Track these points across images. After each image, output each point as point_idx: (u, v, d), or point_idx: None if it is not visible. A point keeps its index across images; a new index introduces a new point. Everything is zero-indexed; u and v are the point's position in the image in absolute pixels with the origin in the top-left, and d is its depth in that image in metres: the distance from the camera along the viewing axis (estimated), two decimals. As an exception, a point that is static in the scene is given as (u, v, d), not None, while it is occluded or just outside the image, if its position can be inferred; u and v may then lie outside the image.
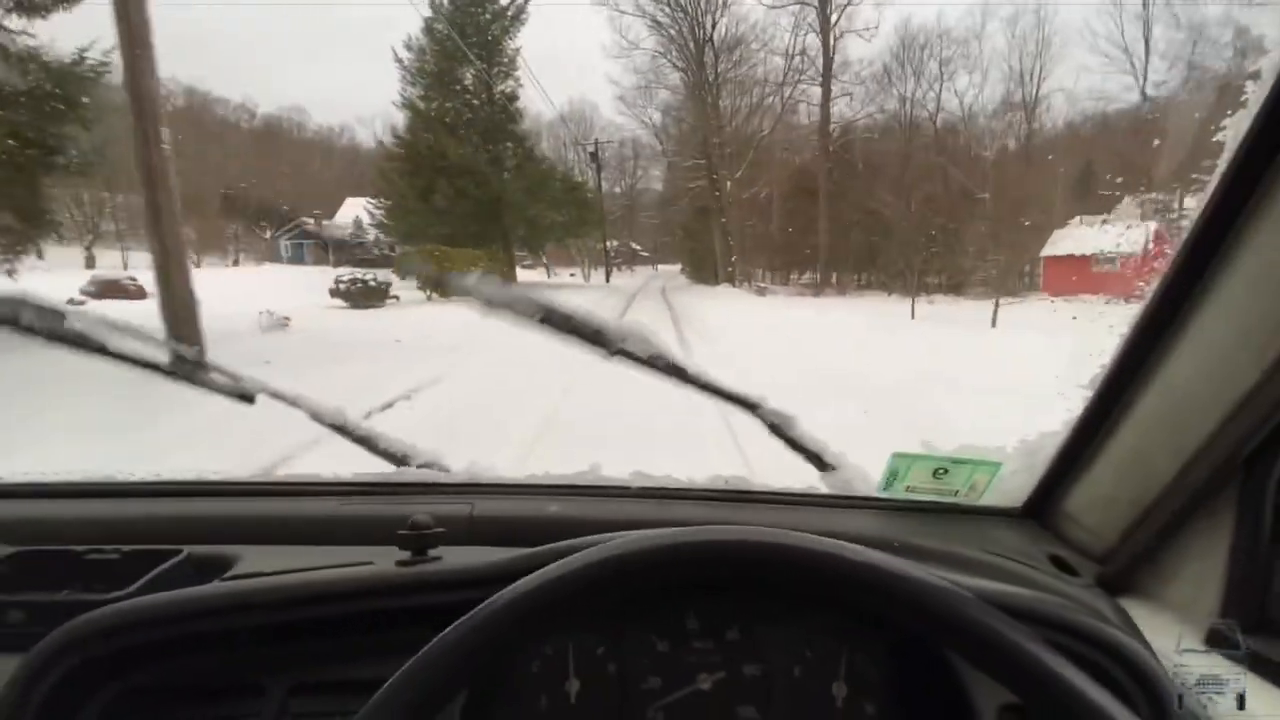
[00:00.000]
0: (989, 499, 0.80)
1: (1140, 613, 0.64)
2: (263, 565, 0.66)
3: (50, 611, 0.59)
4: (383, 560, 0.63)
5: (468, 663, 0.41)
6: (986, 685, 0.57)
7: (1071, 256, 17.23)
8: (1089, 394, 0.68)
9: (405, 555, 0.62)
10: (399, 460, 0.91)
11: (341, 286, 14.22)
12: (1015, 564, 0.69)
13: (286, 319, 9.49)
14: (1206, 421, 0.55)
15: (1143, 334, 0.59)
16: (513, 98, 27.55)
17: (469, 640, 0.42)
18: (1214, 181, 0.50)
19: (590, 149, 34.98)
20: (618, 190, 56.82)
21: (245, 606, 0.57)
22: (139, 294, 13.49)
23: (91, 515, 0.81)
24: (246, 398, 0.89)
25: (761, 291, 25.18)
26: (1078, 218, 17.27)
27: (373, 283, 14.44)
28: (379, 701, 0.38)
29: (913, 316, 14.76)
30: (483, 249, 25.16)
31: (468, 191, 24.89)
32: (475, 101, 27.31)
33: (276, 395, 0.89)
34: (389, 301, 14.91)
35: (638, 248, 65.02)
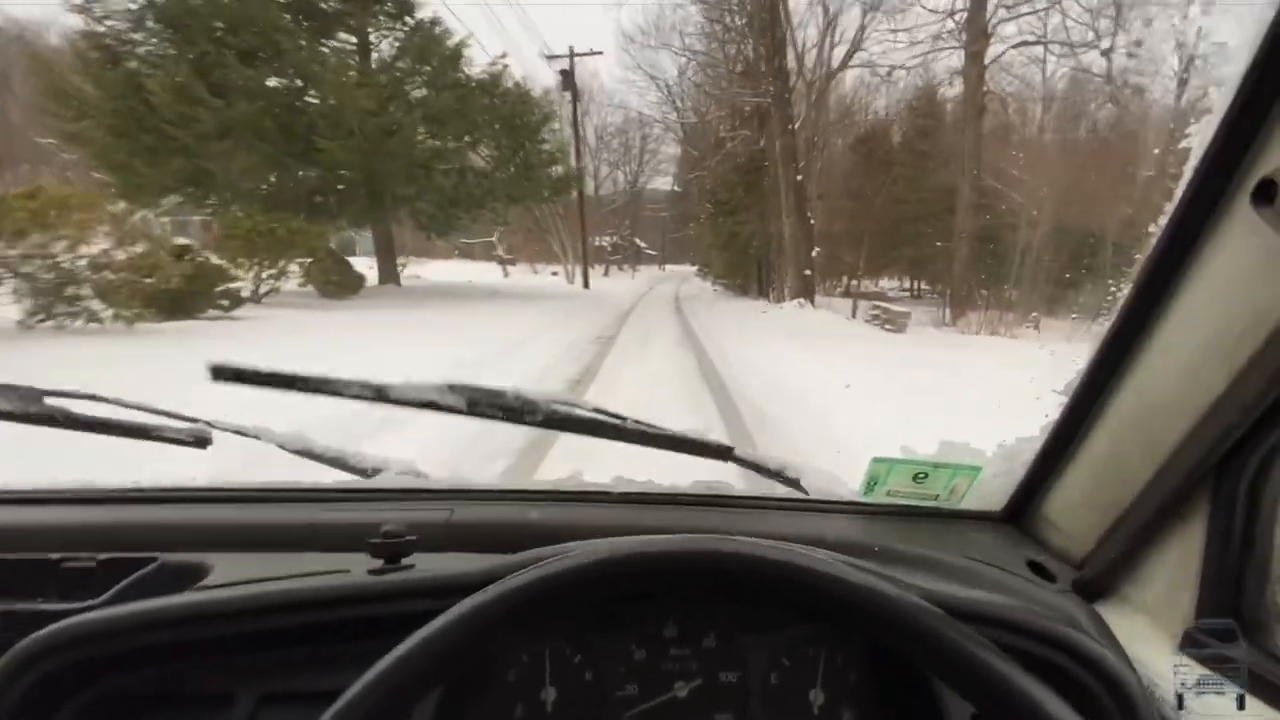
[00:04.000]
0: (969, 503, 0.86)
1: (1115, 618, 0.70)
2: (237, 573, 0.72)
3: (26, 620, 0.64)
4: (358, 567, 0.67)
5: (435, 668, 0.45)
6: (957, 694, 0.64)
7: None
8: (1064, 399, 0.73)
9: (378, 564, 0.66)
10: (372, 474, 0.98)
11: None
12: (993, 569, 0.75)
13: None
14: (1178, 426, 0.60)
15: (1116, 339, 0.64)
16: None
17: (434, 646, 0.45)
18: (1180, 188, 0.53)
19: (562, 67, 20.08)
20: (620, 177, 49.67)
21: (213, 616, 0.62)
22: None
23: (66, 522, 0.87)
24: (201, 442, 0.96)
25: (894, 323, 12.83)
26: None
27: None
28: (343, 707, 0.42)
29: None
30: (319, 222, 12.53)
31: (247, 93, 8.06)
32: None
33: (238, 431, 0.97)
34: None
35: (643, 244, 57.75)
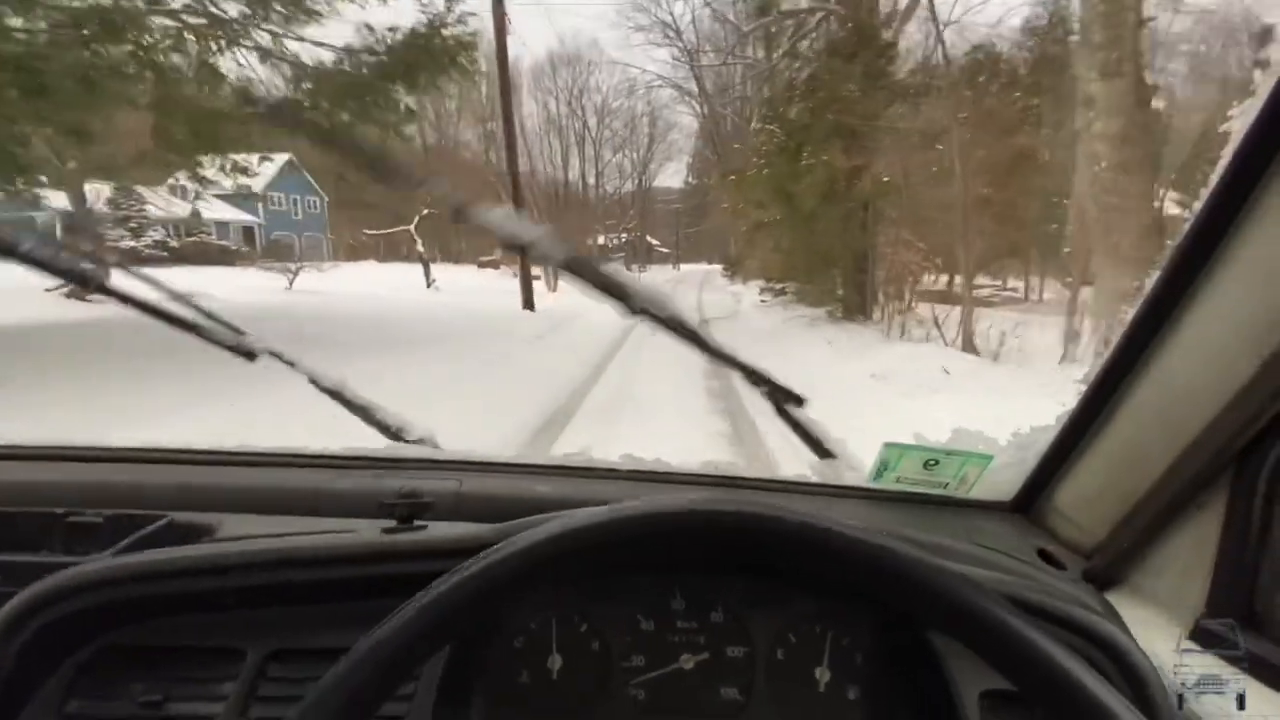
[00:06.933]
0: (979, 492, 0.86)
1: (1125, 606, 0.71)
2: (245, 533, 0.73)
3: (27, 572, 0.63)
4: (367, 531, 0.69)
5: (442, 627, 0.44)
6: (968, 671, 0.63)
7: None
8: (1083, 389, 0.73)
9: (391, 524, 0.67)
10: (393, 433, 0.98)
11: None
12: (1002, 556, 0.75)
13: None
14: (1200, 415, 0.60)
15: (1140, 328, 0.64)
16: None
17: (442, 604, 0.44)
18: (1217, 173, 0.52)
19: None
20: (627, 165, 46.00)
21: (225, 568, 0.61)
22: None
23: (74, 479, 0.87)
24: (250, 355, 0.95)
25: None
26: None
27: None
28: (349, 664, 0.41)
29: None
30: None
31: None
32: None
33: (277, 355, 0.96)
34: None
35: (654, 241, 52.40)
